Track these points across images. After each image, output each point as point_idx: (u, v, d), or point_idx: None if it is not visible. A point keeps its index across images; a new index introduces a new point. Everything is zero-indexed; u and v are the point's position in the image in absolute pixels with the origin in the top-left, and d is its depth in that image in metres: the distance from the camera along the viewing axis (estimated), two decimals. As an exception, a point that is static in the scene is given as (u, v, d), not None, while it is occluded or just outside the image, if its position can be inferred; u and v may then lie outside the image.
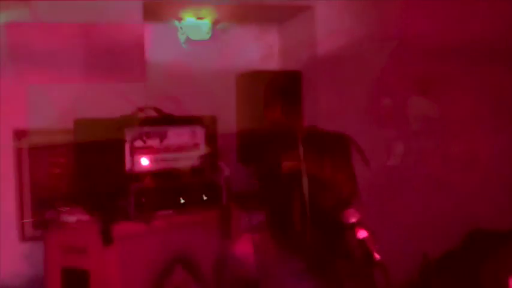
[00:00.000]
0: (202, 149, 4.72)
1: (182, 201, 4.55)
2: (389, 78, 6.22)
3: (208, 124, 4.77)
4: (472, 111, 6.46)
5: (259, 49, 6.40)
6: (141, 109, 4.55)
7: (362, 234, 2.87)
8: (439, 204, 6.21)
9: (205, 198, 4.63)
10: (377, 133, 5.99)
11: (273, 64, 6.40)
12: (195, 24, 6.00)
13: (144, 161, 4.45)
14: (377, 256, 2.83)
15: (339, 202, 2.97)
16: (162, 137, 4.56)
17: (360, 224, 2.89)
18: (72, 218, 4.39)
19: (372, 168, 3.42)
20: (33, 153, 4.91)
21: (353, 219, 2.90)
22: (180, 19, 5.94)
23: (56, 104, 4.92)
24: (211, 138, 4.78)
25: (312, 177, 3.06)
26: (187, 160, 4.68)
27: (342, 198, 3.00)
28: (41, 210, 4.79)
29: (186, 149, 4.69)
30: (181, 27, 5.97)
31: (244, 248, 3.20)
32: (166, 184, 4.52)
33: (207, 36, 6.04)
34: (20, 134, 4.88)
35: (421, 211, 6.14)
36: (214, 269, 3.90)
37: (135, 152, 4.40)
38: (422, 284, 5.80)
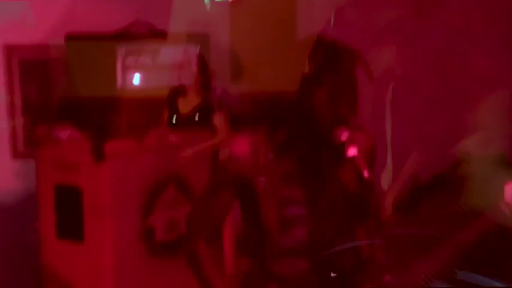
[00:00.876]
0: (195, 68, 4.67)
1: (174, 120, 4.53)
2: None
3: (202, 42, 4.71)
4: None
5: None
6: (132, 25, 4.46)
7: (352, 152, 2.88)
8: (434, 126, 6.19)
9: (196, 116, 4.60)
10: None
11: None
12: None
13: (136, 79, 4.41)
14: (366, 174, 2.85)
15: (336, 118, 2.97)
16: (154, 54, 4.51)
17: (351, 142, 2.90)
18: (64, 135, 4.38)
19: (374, 85, 3.39)
20: (24, 69, 4.86)
21: (343, 138, 2.90)
22: None
23: (47, 18, 4.83)
24: (203, 57, 4.72)
25: (312, 89, 3.05)
26: (180, 78, 4.63)
27: (339, 115, 2.99)
28: (32, 127, 4.78)
29: (178, 67, 4.63)
30: None
31: (241, 147, 3.23)
32: (158, 102, 4.50)
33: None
34: (11, 49, 4.81)
35: (415, 132, 6.12)
36: (209, 168, 3.92)
37: (127, 69, 4.36)
38: (410, 205, 5.85)
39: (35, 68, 4.85)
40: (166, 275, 4.43)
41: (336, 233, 3.29)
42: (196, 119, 4.50)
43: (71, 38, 4.44)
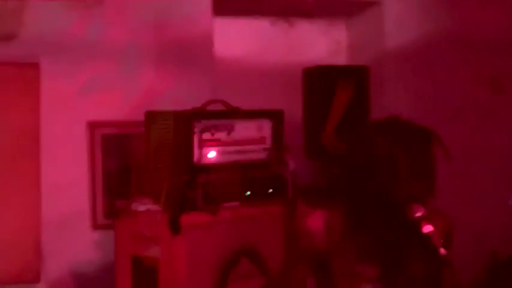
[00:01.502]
0: (269, 143, 4.77)
1: (248, 193, 4.60)
2: (458, 76, 6.13)
3: (276, 118, 4.81)
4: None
5: (326, 44, 6.40)
6: (209, 102, 4.62)
7: (427, 228, 2.87)
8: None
9: (270, 191, 4.68)
10: (446, 130, 5.88)
11: (341, 59, 6.40)
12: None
13: (212, 154, 4.53)
14: (443, 251, 2.82)
15: (409, 196, 2.97)
16: (230, 130, 4.63)
17: (426, 219, 2.88)
18: (142, 208, 4.51)
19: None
20: (106, 144, 5.06)
21: (418, 214, 2.89)
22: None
23: (128, 97, 5.06)
24: (278, 132, 4.82)
25: (387, 168, 3.05)
26: (254, 153, 4.74)
27: (413, 193, 2.98)
28: (112, 199, 4.94)
29: (252, 142, 4.75)
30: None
31: (315, 222, 3.23)
32: (233, 176, 4.60)
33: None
34: (93, 125, 5.03)
35: (492, 209, 6.02)
36: (284, 243, 3.94)
37: (203, 144, 4.48)
38: (490, 285, 5.69)
39: (116, 143, 5.07)
40: None
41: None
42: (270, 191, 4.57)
43: (150, 114, 4.62)
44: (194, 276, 4.27)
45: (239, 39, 5.98)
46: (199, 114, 4.52)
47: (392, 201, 2.95)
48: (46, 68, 4.83)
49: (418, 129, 3.19)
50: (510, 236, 5.91)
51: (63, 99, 4.92)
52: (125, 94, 5.06)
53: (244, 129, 4.71)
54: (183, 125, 4.43)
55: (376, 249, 3.01)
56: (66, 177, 4.94)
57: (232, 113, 4.69)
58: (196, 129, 4.44)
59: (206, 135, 4.49)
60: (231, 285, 4.43)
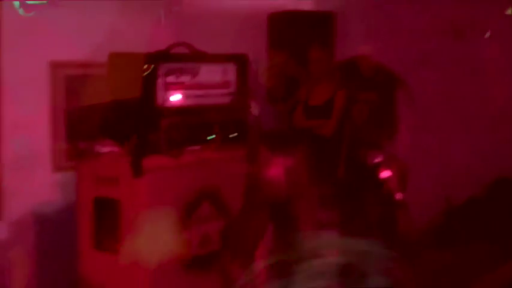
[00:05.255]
0: (233, 87, 4.78)
1: (211, 137, 4.62)
2: (422, 22, 6.15)
3: (240, 62, 4.80)
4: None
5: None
6: (174, 45, 4.57)
7: (385, 174, 2.94)
8: (468, 150, 6.19)
9: (234, 135, 4.70)
10: (411, 76, 5.94)
11: (307, 5, 6.35)
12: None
13: (176, 97, 4.51)
14: (399, 195, 2.90)
15: (369, 142, 3.03)
16: (194, 73, 4.61)
17: (384, 164, 2.95)
18: (104, 150, 4.50)
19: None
20: (68, 85, 5.00)
21: (377, 160, 2.96)
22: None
23: (92, 36, 4.97)
24: (242, 76, 4.81)
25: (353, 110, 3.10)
26: (218, 97, 4.74)
27: (373, 138, 3.05)
28: (74, 141, 4.90)
29: (217, 86, 4.74)
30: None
31: (276, 170, 3.28)
32: (196, 120, 4.60)
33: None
34: (55, 65, 4.95)
35: (449, 155, 6.13)
36: (244, 191, 4.01)
37: (168, 87, 4.46)
38: (444, 228, 5.84)
39: (78, 84, 5.00)
40: (199, 289, 4.51)
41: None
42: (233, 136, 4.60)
43: (114, 56, 4.56)
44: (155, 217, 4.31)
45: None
46: (164, 56, 4.48)
47: (351, 146, 3.01)
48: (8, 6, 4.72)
49: (385, 73, 3.23)
50: (465, 184, 6.05)
51: (25, 39, 4.82)
52: (88, 35, 4.97)
53: (209, 73, 4.70)
54: (148, 68, 4.39)
55: (336, 196, 3.08)
56: (27, 118, 4.88)
57: (197, 57, 4.66)
58: (160, 72, 4.41)
59: (171, 78, 4.47)
60: (191, 228, 4.49)
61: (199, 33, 5.19)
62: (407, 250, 3.44)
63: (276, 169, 3.45)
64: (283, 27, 5.67)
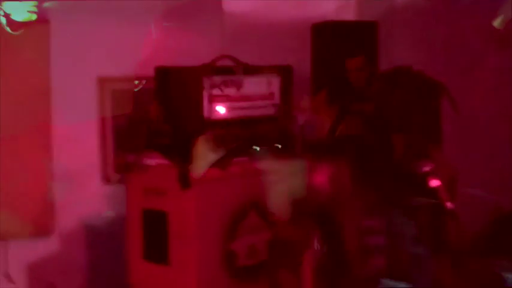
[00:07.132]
0: (278, 98, 4.81)
1: (257, 148, 4.65)
2: (466, 31, 6.09)
3: (284, 73, 4.83)
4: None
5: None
6: (218, 58, 4.63)
7: (434, 183, 2.92)
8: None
9: (279, 146, 4.72)
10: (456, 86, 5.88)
11: (349, 15, 6.35)
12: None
13: (221, 109, 4.57)
14: (449, 205, 2.88)
15: (418, 151, 3.02)
16: (239, 85, 4.66)
17: (433, 174, 2.94)
18: (152, 162, 4.57)
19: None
20: (116, 99, 5.10)
21: (426, 168, 2.95)
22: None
23: (138, 52, 5.06)
24: (286, 87, 4.84)
25: (397, 120, 3.09)
26: (263, 109, 4.78)
27: (421, 148, 3.03)
28: (122, 154, 4.99)
29: (261, 97, 4.78)
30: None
31: (321, 179, 3.29)
32: (242, 132, 4.64)
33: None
34: (103, 80, 5.05)
35: (501, 164, 6.03)
36: (289, 201, 4.03)
37: (213, 100, 4.52)
38: (493, 237, 5.74)
39: (126, 98, 5.10)
40: (247, 299, 4.54)
41: (416, 263, 3.31)
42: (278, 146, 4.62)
43: (160, 70, 4.64)
44: (203, 228, 4.36)
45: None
46: (209, 70, 4.54)
47: (400, 155, 3.00)
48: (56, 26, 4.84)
49: (428, 81, 3.21)
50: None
51: (73, 56, 4.93)
52: (135, 50, 5.06)
53: (253, 85, 4.74)
54: (193, 81, 4.46)
55: (383, 205, 3.07)
56: (77, 132, 4.98)
57: (242, 69, 4.70)
58: (205, 85, 4.47)
59: (216, 91, 4.53)
60: (239, 239, 4.53)
61: (243, 46, 5.24)
62: (457, 259, 3.41)
63: (321, 178, 3.45)
64: (327, 37, 5.67)
